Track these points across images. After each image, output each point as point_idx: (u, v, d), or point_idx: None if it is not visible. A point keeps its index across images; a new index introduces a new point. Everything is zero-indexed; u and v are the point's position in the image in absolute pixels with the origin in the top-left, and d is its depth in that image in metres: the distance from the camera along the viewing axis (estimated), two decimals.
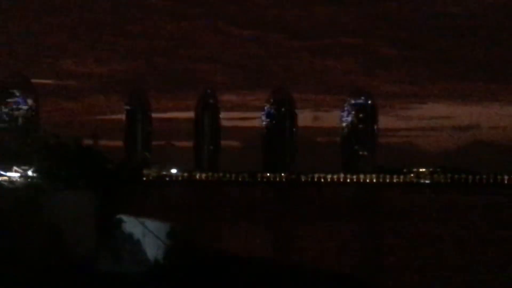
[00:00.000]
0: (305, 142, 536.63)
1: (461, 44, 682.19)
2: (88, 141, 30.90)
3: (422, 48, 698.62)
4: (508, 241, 77.14)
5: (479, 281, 47.92)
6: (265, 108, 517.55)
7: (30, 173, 29.97)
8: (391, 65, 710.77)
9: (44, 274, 21.39)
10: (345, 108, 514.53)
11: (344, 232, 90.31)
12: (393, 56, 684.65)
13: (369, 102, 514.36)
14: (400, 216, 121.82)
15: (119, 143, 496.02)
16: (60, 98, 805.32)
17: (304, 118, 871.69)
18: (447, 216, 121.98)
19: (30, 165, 30.12)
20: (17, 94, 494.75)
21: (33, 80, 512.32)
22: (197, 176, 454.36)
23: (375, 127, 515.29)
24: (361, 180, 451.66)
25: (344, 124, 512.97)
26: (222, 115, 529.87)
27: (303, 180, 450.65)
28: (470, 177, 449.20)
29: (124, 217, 27.72)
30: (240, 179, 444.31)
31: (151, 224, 26.47)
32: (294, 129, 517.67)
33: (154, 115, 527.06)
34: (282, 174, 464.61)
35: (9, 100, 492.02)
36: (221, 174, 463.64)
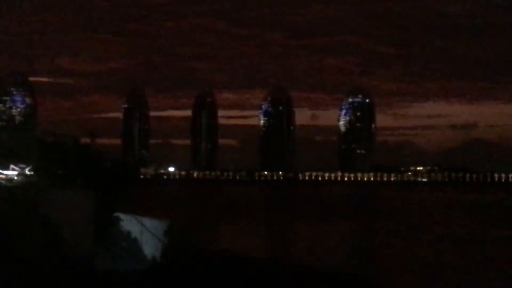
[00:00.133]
0: (302, 140, 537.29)
1: (459, 42, 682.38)
2: (85, 140, 30.97)
3: (420, 46, 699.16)
4: (507, 240, 77.25)
5: (477, 279, 48.01)
6: (263, 106, 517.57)
7: (27, 171, 29.98)
8: (389, 64, 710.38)
9: (42, 272, 21.44)
10: (343, 107, 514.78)
11: (341, 230, 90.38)
12: (391, 55, 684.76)
13: (367, 100, 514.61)
14: (397, 214, 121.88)
15: (116, 141, 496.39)
16: (57, 96, 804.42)
17: (302, 116, 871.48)
18: (444, 215, 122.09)
19: (27, 163, 30.10)
20: (15, 92, 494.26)
21: (31, 78, 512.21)
22: (195, 175, 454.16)
23: (373, 125, 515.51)
24: (359, 179, 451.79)
25: (341, 123, 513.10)
26: (220, 113, 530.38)
27: (300, 178, 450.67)
28: (468, 175, 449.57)
29: (121, 215, 27.79)
30: (237, 178, 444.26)
31: (149, 222, 26.53)
32: (291, 128, 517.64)
33: (151, 113, 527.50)
34: (280, 173, 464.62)
35: (6, 98, 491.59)
36: (218, 173, 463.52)
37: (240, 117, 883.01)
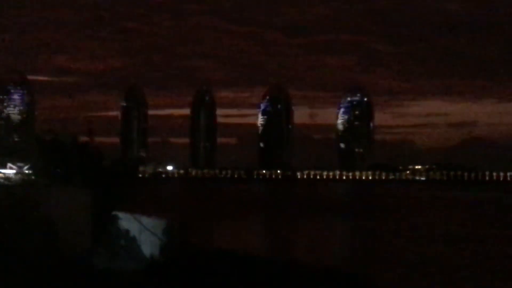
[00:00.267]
0: (301, 139, 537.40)
1: (458, 41, 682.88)
2: (84, 138, 30.93)
3: (419, 45, 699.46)
4: (505, 238, 77.31)
5: (476, 278, 48.05)
6: (261, 105, 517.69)
7: (26, 170, 29.97)
8: (388, 62, 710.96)
9: (41, 271, 21.41)
10: (341, 105, 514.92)
11: (339, 229, 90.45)
12: (390, 53, 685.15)
13: (365, 99, 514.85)
14: (395, 213, 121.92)
15: (115, 140, 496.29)
16: (56, 94, 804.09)
17: (300, 115, 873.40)
18: (443, 214, 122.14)
19: (26, 162, 30.11)
20: (13, 91, 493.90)
21: (29, 77, 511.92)
22: (194, 173, 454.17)
23: (371, 124, 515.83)
24: (357, 177, 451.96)
25: (340, 121, 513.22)
26: (219, 112, 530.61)
27: (299, 177, 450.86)
28: (466, 174, 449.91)
29: (120, 214, 27.76)
30: (236, 176, 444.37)
31: (148, 221, 26.50)
32: (290, 126, 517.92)
33: (150, 112, 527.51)
34: (278, 171, 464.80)
35: (4, 97, 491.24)
36: (217, 171, 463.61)
37: (239, 115, 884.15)
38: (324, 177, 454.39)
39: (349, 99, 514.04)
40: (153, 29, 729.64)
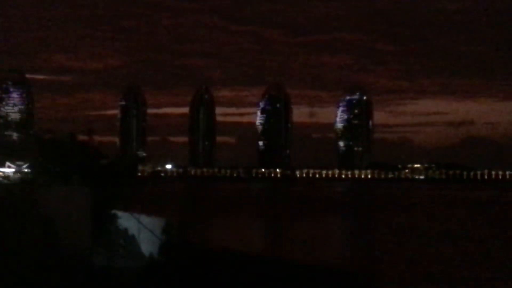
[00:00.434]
0: (300, 138, 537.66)
1: (457, 40, 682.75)
2: (83, 137, 30.91)
3: (418, 44, 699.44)
4: (504, 236, 77.34)
5: (473, 276, 48.06)
6: (260, 104, 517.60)
7: (25, 168, 29.93)
8: (387, 61, 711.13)
9: (40, 269, 21.39)
10: (340, 104, 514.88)
11: (338, 227, 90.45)
12: (389, 52, 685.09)
13: (364, 98, 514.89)
14: (394, 212, 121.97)
15: (114, 138, 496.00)
16: (55, 93, 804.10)
17: (300, 114, 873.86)
18: (442, 212, 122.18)
19: (25, 160, 30.07)
20: (12, 89, 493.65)
21: (28, 75, 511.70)
22: (192, 172, 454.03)
23: (370, 123, 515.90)
24: (356, 176, 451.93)
25: (339, 120, 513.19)
26: (217, 110, 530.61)
27: (298, 175, 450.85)
28: (465, 172, 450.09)
29: (119, 213, 27.75)
30: (235, 175, 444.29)
31: (146, 219, 26.49)
32: (289, 125, 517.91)
33: (149, 110, 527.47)
34: (277, 170, 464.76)
35: (3, 95, 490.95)
36: (216, 170, 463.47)
37: (238, 114, 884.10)
38: (323, 175, 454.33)
39: (348, 98, 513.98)
40: (152, 28, 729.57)
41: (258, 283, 19.95)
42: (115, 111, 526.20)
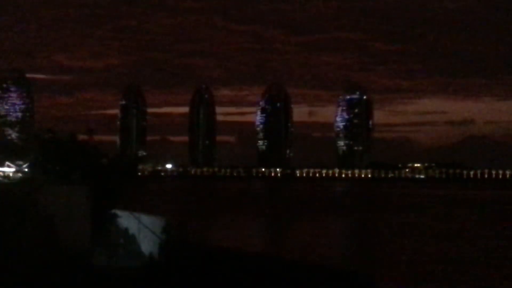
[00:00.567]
0: (300, 137, 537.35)
1: (457, 39, 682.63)
2: (83, 136, 30.91)
3: (418, 43, 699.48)
4: (505, 236, 77.34)
5: (472, 274, 48.05)
6: (260, 103, 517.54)
7: (25, 168, 29.93)
8: (387, 60, 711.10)
9: (40, 268, 21.39)
10: (340, 103, 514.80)
11: (338, 227, 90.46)
12: (389, 51, 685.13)
13: (364, 97, 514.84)
14: (394, 211, 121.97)
15: (114, 138, 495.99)
16: (55, 93, 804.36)
17: (300, 113, 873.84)
18: (442, 211, 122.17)
19: (25, 160, 30.05)
20: (12, 89, 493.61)
21: (28, 75, 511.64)
22: (192, 171, 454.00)
23: (370, 122, 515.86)
24: (356, 175, 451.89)
25: (339, 119, 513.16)
26: (218, 110, 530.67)
27: (298, 175, 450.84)
28: (465, 172, 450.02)
29: (119, 212, 27.76)
30: (235, 174, 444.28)
31: (146, 219, 26.48)
32: (289, 124, 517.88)
33: (149, 110, 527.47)
34: (277, 169, 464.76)
35: (4, 95, 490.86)
36: (216, 169, 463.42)
37: (238, 113, 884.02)
38: (323, 175, 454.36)
39: (348, 97, 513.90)
40: (152, 27, 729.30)
41: (258, 283, 19.95)
42: (115, 111, 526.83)
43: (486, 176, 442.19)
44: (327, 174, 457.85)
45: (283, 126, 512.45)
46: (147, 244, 25.61)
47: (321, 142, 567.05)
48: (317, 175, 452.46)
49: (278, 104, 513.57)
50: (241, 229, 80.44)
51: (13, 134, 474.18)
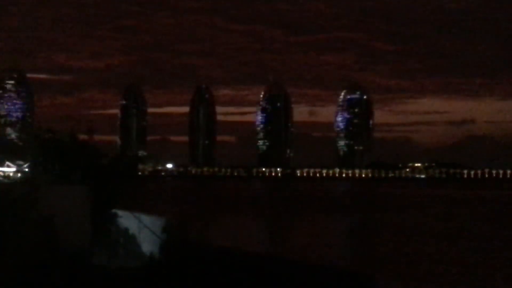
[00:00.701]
0: (300, 137, 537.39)
1: (457, 39, 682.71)
2: (83, 136, 30.90)
3: (418, 42, 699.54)
4: (505, 236, 77.31)
5: (473, 274, 48.02)
6: (261, 103, 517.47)
7: (25, 168, 29.89)
8: (387, 60, 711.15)
9: (39, 268, 21.37)
10: (341, 103, 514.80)
11: (338, 227, 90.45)
12: (389, 51, 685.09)
13: (364, 97, 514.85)
14: (395, 211, 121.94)
15: (114, 138, 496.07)
16: (55, 92, 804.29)
17: (300, 113, 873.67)
18: (442, 211, 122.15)
19: (25, 159, 30.05)
20: (12, 88, 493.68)
21: (28, 75, 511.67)
22: (193, 171, 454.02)
23: (370, 122, 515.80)
24: (357, 175, 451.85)
25: (339, 119, 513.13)
26: (218, 109, 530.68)
27: (298, 175, 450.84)
28: (465, 171, 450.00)
29: (119, 212, 27.74)
30: (235, 174, 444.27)
31: (147, 218, 26.47)
32: (289, 124, 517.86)
33: (149, 110, 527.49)
34: (278, 169, 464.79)
35: (4, 94, 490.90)
36: (216, 169, 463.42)
37: (238, 113, 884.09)
38: (324, 175, 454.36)
39: (348, 97, 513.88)
40: (152, 27, 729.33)
41: (258, 282, 19.93)
42: (115, 111, 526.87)
43: (486, 175, 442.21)
44: (327, 174, 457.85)
45: (283, 126, 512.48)
46: (148, 244, 25.60)
47: (321, 142, 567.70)
48: (318, 175, 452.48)
49: (278, 104, 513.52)
50: (241, 229, 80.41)
51: (13, 134, 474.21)
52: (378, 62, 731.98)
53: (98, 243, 25.31)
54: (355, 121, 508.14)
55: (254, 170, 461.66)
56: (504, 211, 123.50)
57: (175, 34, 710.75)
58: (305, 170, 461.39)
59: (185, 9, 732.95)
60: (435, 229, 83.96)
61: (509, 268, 52.12)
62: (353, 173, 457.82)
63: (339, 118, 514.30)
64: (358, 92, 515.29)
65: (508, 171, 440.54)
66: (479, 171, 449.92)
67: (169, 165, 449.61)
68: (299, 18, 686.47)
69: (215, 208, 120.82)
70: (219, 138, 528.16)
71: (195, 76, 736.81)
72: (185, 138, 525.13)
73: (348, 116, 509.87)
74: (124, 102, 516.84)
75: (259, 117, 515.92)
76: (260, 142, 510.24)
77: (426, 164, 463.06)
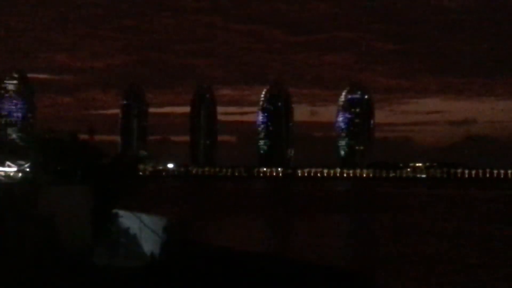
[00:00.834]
0: (301, 136, 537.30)
1: (457, 38, 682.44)
2: (84, 136, 30.94)
3: (419, 42, 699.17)
4: (506, 235, 77.31)
5: (473, 274, 48.03)
6: (262, 102, 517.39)
7: (26, 168, 29.93)
8: (388, 60, 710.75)
9: (41, 268, 21.41)
10: (342, 103, 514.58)
11: (339, 227, 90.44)
12: (390, 51, 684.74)
13: (366, 96, 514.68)
14: (396, 211, 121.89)
15: (115, 138, 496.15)
16: (56, 92, 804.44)
17: (301, 112, 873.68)
18: (443, 211, 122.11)
19: (26, 160, 30.08)
20: (13, 88, 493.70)
21: (29, 75, 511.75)
22: (194, 171, 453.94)
23: (372, 121, 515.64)
24: (358, 175, 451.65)
25: (340, 119, 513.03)
26: (219, 109, 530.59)
27: (299, 174, 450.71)
28: (466, 171, 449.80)
29: (120, 212, 27.77)
30: (236, 174, 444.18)
31: (148, 218, 26.51)
32: (290, 124, 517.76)
33: (150, 109, 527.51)
34: (279, 169, 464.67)
35: (5, 94, 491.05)
36: (217, 169, 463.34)
37: (239, 113, 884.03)
38: (325, 174, 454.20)
39: (349, 96, 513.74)
40: (153, 27, 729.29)
41: (259, 282, 19.97)
42: (116, 110, 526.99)
43: (487, 175, 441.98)
44: (328, 173, 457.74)
45: (284, 126, 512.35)
46: (148, 244, 25.63)
47: (322, 142, 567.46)
48: (319, 174, 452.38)
49: (279, 104, 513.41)
50: (242, 229, 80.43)
51: (14, 134, 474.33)
52: (379, 62, 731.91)
53: (99, 243, 25.34)
54: (356, 121, 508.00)
55: (255, 170, 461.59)
56: (505, 211, 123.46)
57: (176, 34, 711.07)
58: (306, 170, 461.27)
59: (186, 9, 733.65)
60: (436, 229, 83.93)
61: (509, 268, 52.11)
62: (354, 173, 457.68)
63: (340, 118, 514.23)
64: (359, 92, 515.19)
65: (509, 171, 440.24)
66: (480, 171, 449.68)
67: (170, 165, 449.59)
68: (300, 18, 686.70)
69: (215, 208, 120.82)
70: (220, 138, 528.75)
71: (196, 76, 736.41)
72: (186, 138, 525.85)
73: (349, 116, 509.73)
74: (125, 102, 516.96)
75: (260, 117, 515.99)
76: (261, 142, 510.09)
77: (427, 164, 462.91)
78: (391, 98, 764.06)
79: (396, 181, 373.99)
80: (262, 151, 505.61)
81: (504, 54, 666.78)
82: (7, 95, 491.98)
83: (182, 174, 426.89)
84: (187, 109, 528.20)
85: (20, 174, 29.85)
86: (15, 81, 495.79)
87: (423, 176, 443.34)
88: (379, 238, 74.61)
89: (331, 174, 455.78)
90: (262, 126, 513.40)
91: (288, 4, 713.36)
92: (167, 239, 24.07)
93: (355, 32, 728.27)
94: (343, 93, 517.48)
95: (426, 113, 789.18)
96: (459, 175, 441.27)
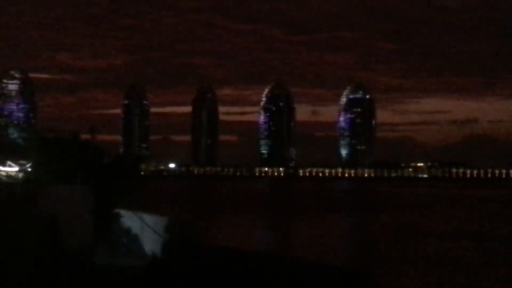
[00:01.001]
0: (303, 136, 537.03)
1: (459, 38, 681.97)
2: (85, 136, 31.03)
3: (420, 42, 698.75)
4: (507, 235, 77.31)
5: (473, 274, 48.07)
6: (263, 102, 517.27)
7: (28, 167, 30.02)
8: (390, 59, 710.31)
9: (42, 267, 21.50)
10: (343, 103, 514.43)
11: (340, 227, 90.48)
12: (392, 51, 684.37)
13: (367, 96, 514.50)
14: (397, 210, 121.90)
15: (116, 137, 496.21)
16: (57, 92, 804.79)
17: (302, 112, 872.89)
18: (444, 211, 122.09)
19: (27, 159, 30.16)
20: (15, 88, 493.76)
21: (31, 75, 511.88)
22: (195, 171, 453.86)
23: (373, 121, 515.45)
24: (359, 175, 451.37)
25: (342, 119, 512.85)
26: (220, 109, 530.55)
27: (301, 174, 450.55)
28: (468, 171, 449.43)
29: (121, 211, 27.86)
30: (238, 174, 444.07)
31: (149, 218, 26.59)
32: (291, 124, 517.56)
33: (151, 109, 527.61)
34: (280, 169, 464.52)
35: (7, 94, 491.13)
36: (219, 169, 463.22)
37: (241, 113, 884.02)
38: (326, 174, 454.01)
39: (351, 96, 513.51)
40: (155, 27, 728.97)
41: (259, 282, 20.05)
42: (118, 110, 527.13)
43: (489, 175, 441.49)
44: (330, 173, 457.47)
45: (286, 126, 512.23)
46: (150, 244, 25.71)
47: (323, 142, 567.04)
48: (320, 174, 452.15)
49: (281, 103, 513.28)
50: (244, 229, 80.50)
51: (15, 134, 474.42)
52: (381, 61, 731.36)
53: (100, 243, 25.43)
54: (358, 120, 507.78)
55: (257, 169, 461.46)
56: (506, 211, 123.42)
57: (177, 34, 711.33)
58: (308, 169, 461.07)
59: (188, 8, 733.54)
60: (437, 229, 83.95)
61: (509, 268, 52.15)
62: (356, 173, 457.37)
63: (341, 118, 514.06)
64: (360, 92, 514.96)
65: (510, 171, 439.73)
66: (481, 171, 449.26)
67: (172, 165, 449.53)
68: (301, 18, 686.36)
69: (217, 207, 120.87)
70: (221, 137, 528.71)
71: (197, 76, 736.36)
72: (187, 138, 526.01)
73: (350, 115, 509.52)
74: (126, 101, 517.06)
75: (261, 117, 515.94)
76: (263, 142, 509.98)
77: (429, 164, 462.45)
78: (392, 98, 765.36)
79: (397, 181, 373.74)
80: (263, 151, 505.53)
81: (505, 53, 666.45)
82: (8, 95, 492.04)
83: (183, 174, 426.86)
84: (188, 108, 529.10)
85: (21, 174, 29.96)
86: (16, 81, 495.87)
87: (424, 175, 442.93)
88: (379, 238, 74.65)
89: (333, 174, 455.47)
90: (263, 126, 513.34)
91: (289, 4, 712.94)
92: (169, 239, 24.15)
93: (356, 32, 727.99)
94: (345, 93, 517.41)
95: (428, 112, 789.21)
96: (460, 175, 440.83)
